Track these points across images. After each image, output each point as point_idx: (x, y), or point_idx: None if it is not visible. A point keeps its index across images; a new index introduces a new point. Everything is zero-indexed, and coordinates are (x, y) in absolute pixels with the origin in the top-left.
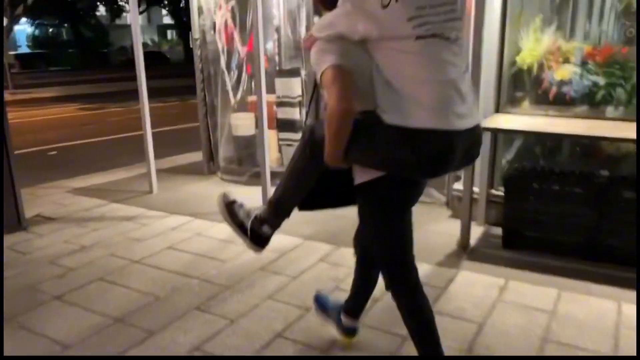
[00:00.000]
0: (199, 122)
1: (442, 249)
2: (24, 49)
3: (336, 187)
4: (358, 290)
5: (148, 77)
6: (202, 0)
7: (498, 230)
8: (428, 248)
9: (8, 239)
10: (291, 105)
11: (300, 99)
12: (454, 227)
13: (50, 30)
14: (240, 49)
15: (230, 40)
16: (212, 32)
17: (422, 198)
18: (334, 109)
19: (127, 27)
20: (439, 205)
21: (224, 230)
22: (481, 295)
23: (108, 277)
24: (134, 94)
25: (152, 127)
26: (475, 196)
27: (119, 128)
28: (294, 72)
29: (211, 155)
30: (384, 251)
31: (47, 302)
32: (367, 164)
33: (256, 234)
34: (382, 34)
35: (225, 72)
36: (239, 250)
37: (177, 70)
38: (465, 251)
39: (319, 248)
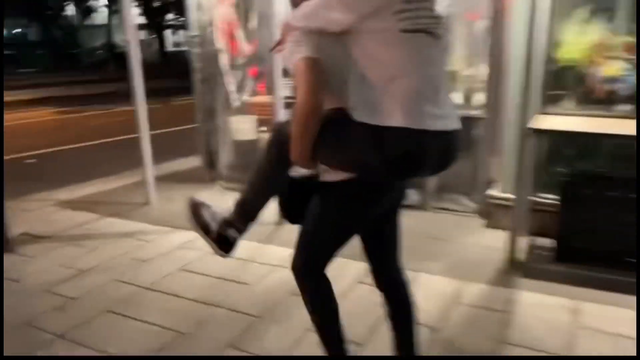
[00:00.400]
0: (190, 125)
1: (488, 265)
2: None
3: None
4: (400, 330)
5: (122, 79)
6: None
7: (544, 242)
8: (472, 264)
9: None
10: None
11: None
12: (494, 239)
13: (18, 30)
14: (244, 48)
15: (232, 38)
16: (212, 29)
17: (449, 206)
18: (301, 103)
19: (98, 27)
20: (469, 213)
21: (240, 247)
22: (553, 321)
23: (117, 308)
24: (112, 97)
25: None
26: (510, 203)
27: (101, 133)
28: None
29: (211, 162)
30: (316, 252)
31: (48, 342)
32: (332, 163)
33: (222, 237)
34: (365, 25)
35: (227, 73)
36: (262, 271)
37: (153, 72)
38: (515, 267)
39: (353, 267)
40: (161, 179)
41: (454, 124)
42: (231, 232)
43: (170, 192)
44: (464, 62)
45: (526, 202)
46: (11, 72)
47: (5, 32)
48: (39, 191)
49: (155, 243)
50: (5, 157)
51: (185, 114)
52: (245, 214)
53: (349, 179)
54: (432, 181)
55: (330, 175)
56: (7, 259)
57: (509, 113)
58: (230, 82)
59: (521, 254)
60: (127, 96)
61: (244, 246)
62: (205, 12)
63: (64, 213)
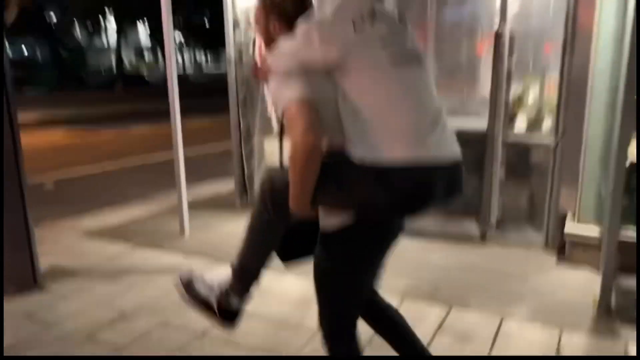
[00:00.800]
0: (209, 147)
1: (577, 309)
2: None
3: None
4: (403, 343)
5: (130, 100)
6: (239, 14)
7: (630, 282)
8: (559, 308)
9: (22, 303)
10: None
11: None
12: (573, 277)
13: (25, 51)
14: None
15: None
16: (251, 50)
17: (514, 239)
18: (298, 144)
19: (105, 49)
20: (535, 247)
21: (292, 284)
22: None
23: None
24: (122, 117)
25: (155, 153)
26: (592, 238)
27: (117, 155)
28: None
29: (244, 187)
30: (340, 312)
31: None
32: (336, 207)
33: (224, 309)
34: (353, 60)
35: (267, 95)
36: None
37: (160, 93)
38: (609, 311)
39: (426, 311)
40: (191, 205)
41: (457, 152)
42: (234, 301)
43: (203, 220)
44: (531, 86)
45: (616, 239)
46: (19, 92)
47: (13, 53)
48: (63, 218)
49: None
50: None
51: (201, 136)
52: (247, 276)
53: (353, 224)
54: (493, 211)
55: (332, 222)
56: (38, 297)
57: (588, 140)
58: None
59: (611, 296)
60: (137, 117)
61: (302, 285)
62: (243, 32)
63: (93, 243)
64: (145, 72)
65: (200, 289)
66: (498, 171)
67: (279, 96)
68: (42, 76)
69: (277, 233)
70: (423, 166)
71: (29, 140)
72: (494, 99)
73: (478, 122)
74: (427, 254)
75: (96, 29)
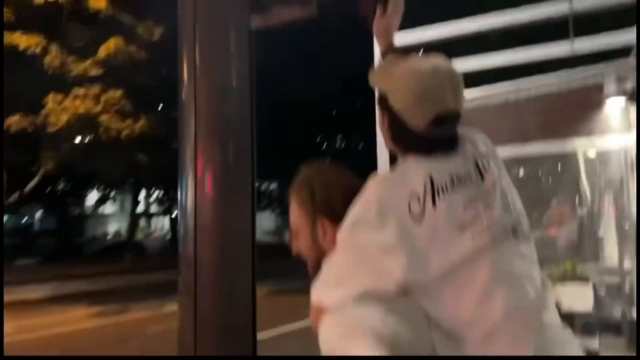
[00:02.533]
0: None
1: None
2: None
3: None
4: None
5: (142, 271)
6: None
7: None
8: None
9: None
10: None
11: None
12: None
13: (24, 219)
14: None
15: None
16: None
17: None
18: None
19: (99, 217)
20: None
21: None
22: None
23: None
24: (144, 291)
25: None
26: None
27: (174, 343)
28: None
29: None
30: None
31: None
32: None
33: None
34: (427, 261)
35: None
36: None
37: (167, 264)
38: None
39: None
40: None
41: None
42: None
43: None
44: None
45: None
46: (11, 264)
47: (12, 222)
48: None
49: None
50: None
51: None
52: None
53: None
54: None
55: None
56: None
57: None
58: None
59: None
60: (160, 291)
61: None
62: None
63: None
64: (143, 239)
65: None
66: None
67: None
68: (34, 246)
69: None
70: None
71: (48, 324)
72: None
73: None
74: None
75: (103, 197)
